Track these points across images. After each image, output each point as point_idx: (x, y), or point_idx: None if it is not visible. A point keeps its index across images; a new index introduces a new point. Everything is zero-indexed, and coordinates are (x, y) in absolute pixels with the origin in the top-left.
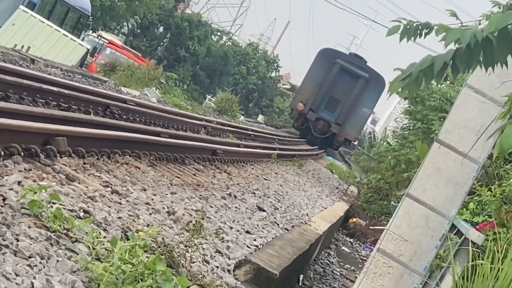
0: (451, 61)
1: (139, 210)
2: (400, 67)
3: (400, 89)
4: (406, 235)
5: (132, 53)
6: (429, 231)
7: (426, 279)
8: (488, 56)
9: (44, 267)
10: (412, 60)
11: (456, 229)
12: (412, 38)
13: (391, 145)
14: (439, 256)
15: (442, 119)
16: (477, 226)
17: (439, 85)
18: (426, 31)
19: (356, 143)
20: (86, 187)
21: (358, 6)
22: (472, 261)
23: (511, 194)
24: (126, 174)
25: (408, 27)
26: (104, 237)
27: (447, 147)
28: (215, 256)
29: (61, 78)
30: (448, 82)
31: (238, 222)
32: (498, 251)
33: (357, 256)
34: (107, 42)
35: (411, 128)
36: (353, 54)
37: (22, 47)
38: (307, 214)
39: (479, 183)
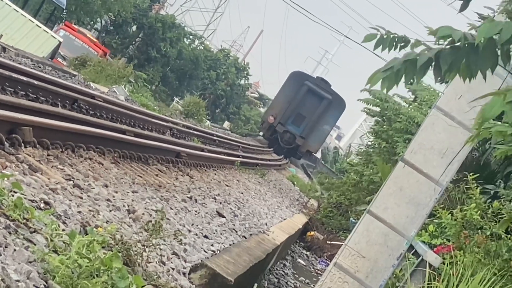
0: (434, 61)
1: (99, 206)
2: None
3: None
4: (364, 252)
5: (88, 38)
6: (387, 249)
7: None
8: (472, 62)
9: (0, 255)
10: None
11: (414, 250)
12: (387, 49)
13: (354, 163)
14: (395, 275)
15: (407, 141)
16: (435, 249)
17: (408, 107)
18: (402, 44)
19: (319, 157)
20: (49, 178)
21: (332, 20)
22: (428, 282)
23: (471, 219)
24: (89, 169)
25: (385, 36)
26: (63, 230)
27: (411, 167)
28: (171, 258)
29: (31, 68)
30: (416, 103)
31: (197, 226)
32: (453, 275)
33: (312, 269)
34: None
35: (375, 146)
36: (320, 78)
37: None
38: (266, 224)
39: (441, 206)
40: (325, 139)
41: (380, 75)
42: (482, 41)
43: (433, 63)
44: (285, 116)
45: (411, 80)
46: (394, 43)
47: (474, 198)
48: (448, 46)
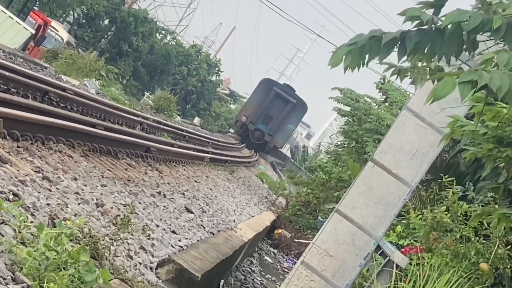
0: (400, 41)
1: (68, 199)
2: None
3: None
4: (332, 251)
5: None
6: (355, 249)
7: None
8: (437, 46)
9: None
10: (353, 78)
11: (381, 250)
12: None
13: (323, 162)
14: (362, 275)
15: (376, 141)
16: (402, 249)
17: (377, 108)
18: (368, 59)
19: (289, 155)
20: (18, 170)
21: (305, 19)
22: (394, 283)
23: (442, 221)
24: (58, 162)
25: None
26: (31, 222)
27: (381, 167)
28: (139, 252)
29: (3, 59)
30: (387, 103)
31: (165, 221)
32: (420, 276)
33: (279, 267)
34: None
35: (345, 146)
36: (286, 85)
37: None
38: (234, 221)
39: (412, 207)
40: (289, 136)
41: (344, 49)
42: (449, 26)
43: (399, 43)
44: (255, 116)
45: (373, 58)
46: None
47: (447, 200)
48: (415, 28)
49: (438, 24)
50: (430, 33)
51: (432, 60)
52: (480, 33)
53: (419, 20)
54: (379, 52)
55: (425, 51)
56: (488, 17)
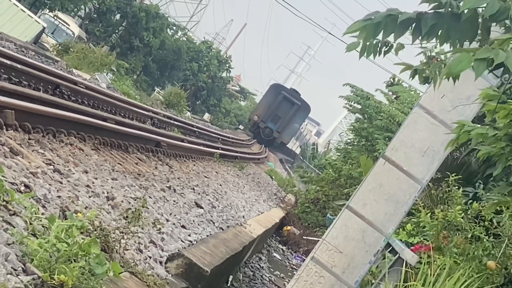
0: (415, 22)
1: (79, 191)
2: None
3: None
4: (342, 247)
5: None
6: (365, 245)
7: None
8: (452, 30)
9: None
10: (364, 77)
11: (391, 247)
12: (372, 55)
13: (333, 160)
14: (371, 272)
15: (387, 139)
16: (412, 247)
17: (389, 105)
18: (386, 49)
19: (298, 153)
20: (29, 162)
21: (316, 16)
22: (404, 281)
23: (453, 220)
24: (69, 155)
25: (367, 43)
26: (42, 213)
27: (392, 164)
28: (149, 246)
29: (15, 52)
30: (398, 102)
31: (175, 215)
32: (430, 274)
33: (287, 264)
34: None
35: (355, 144)
36: (292, 89)
37: None
38: (243, 217)
39: (421, 205)
40: (295, 133)
41: (360, 23)
42: (466, 12)
43: (414, 24)
44: (266, 116)
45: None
46: (378, 48)
47: (456, 199)
48: (432, 11)
49: (455, 9)
50: (446, 17)
51: (446, 43)
52: (496, 22)
53: (436, 3)
54: (394, 30)
55: (439, 34)
56: (505, 5)
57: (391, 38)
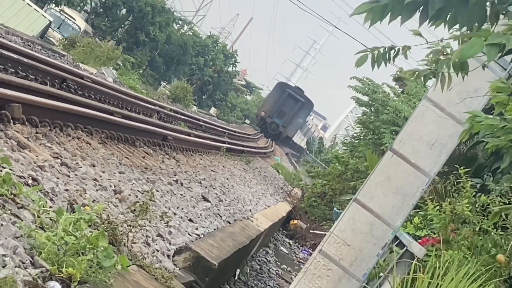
0: (423, 5)
1: (86, 185)
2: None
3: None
4: (349, 240)
5: None
6: (373, 238)
7: (364, 284)
8: (459, 14)
9: None
10: (370, 69)
11: (398, 240)
12: (383, 64)
13: (339, 153)
14: (378, 265)
15: (393, 133)
16: (420, 240)
17: (396, 98)
18: (394, 54)
19: (304, 147)
20: (37, 156)
21: (322, 10)
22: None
23: (462, 213)
24: (76, 148)
25: (375, 53)
26: (50, 206)
27: (400, 157)
28: (156, 240)
29: (21, 46)
30: (405, 94)
31: (182, 209)
32: (439, 267)
33: (294, 257)
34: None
35: (362, 137)
36: (296, 87)
37: None
38: (250, 210)
39: (430, 198)
40: (299, 128)
41: (367, 5)
42: None
43: (422, 7)
44: (272, 112)
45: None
46: (387, 55)
47: (464, 191)
48: None
49: None
50: (454, 0)
51: (453, 28)
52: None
53: None
54: (401, 13)
55: (447, 19)
56: None
57: (397, 43)
